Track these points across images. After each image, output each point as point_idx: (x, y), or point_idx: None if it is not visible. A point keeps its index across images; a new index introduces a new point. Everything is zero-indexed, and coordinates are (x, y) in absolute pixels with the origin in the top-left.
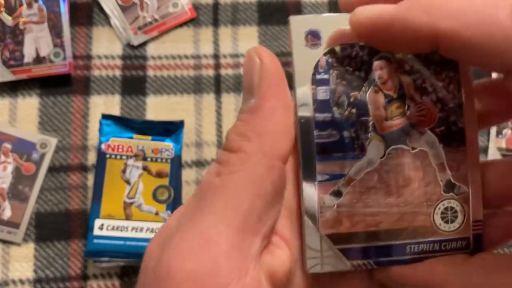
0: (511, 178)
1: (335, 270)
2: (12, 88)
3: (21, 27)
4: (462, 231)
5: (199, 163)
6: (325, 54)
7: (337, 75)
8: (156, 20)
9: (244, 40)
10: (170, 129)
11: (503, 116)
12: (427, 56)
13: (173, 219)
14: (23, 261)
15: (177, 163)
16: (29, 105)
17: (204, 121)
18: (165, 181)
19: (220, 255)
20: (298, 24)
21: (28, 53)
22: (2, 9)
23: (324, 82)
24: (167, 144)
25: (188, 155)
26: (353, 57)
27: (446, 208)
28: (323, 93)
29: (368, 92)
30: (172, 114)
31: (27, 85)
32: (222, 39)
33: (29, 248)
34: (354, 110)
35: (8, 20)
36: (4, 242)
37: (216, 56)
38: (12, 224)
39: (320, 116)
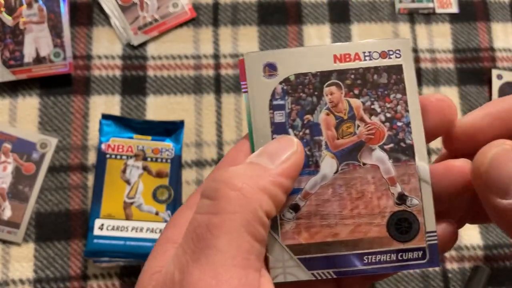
0: (448, 180)
1: (296, 279)
2: (12, 88)
3: (21, 27)
4: (417, 241)
5: (199, 163)
6: (280, 83)
7: (292, 101)
8: (156, 20)
9: (244, 40)
10: (170, 129)
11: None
12: (374, 80)
13: (168, 264)
14: (23, 261)
15: (177, 163)
16: (29, 105)
17: (204, 121)
18: (165, 181)
19: (239, 286)
20: (255, 59)
21: (28, 53)
22: (2, 9)
23: (281, 107)
24: (167, 144)
25: (188, 155)
26: (306, 84)
27: (399, 220)
28: (279, 116)
29: (320, 115)
30: (172, 114)
31: (27, 85)
32: (222, 39)
33: (29, 248)
34: (308, 131)
35: (8, 20)
36: (4, 242)
37: (216, 56)
38: (12, 224)
39: (278, 137)
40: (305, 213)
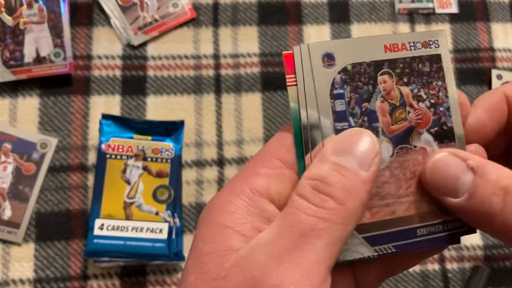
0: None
1: (361, 256)
2: (12, 88)
3: (22, 27)
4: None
5: (199, 163)
6: (339, 73)
7: (350, 90)
8: (156, 20)
9: (244, 40)
10: (170, 129)
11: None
12: (419, 69)
13: (249, 249)
14: (23, 261)
15: (177, 163)
16: (29, 105)
17: (204, 121)
18: (165, 181)
19: (319, 286)
20: (315, 49)
21: (28, 53)
22: (3, 9)
23: (341, 96)
24: (167, 144)
25: (188, 155)
26: (362, 73)
27: None
28: (340, 105)
29: (376, 102)
30: (172, 114)
31: (27, 85)
32: (222, 39)
33: (29, 248)
34: (366, 118)
35: (9, 20)
36: (4, 242)
37: (216, 56)
38: (12, 224)
39: (339, 125)
40: None
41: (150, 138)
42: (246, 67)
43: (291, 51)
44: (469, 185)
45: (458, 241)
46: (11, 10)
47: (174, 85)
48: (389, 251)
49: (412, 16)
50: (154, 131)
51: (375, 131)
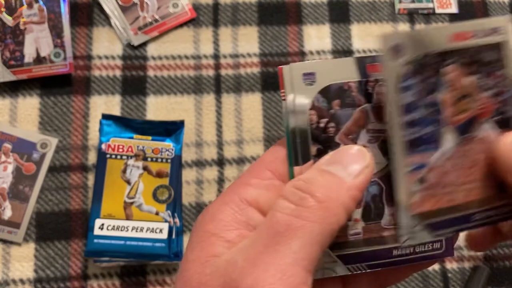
0: None
1: (421, 241)
2: (13, 88)
3: (22, 27)
4: None
5: (199, 163)
6: (407, 64)
7: (418, 82)
8: (156, 20)
9: (244, 40)
10: (170, 129)
11: None
12: (484, 58)
13: (229, 253)
14: (23, 261)
15: (177, 163)
16: (30, 105)
17: (204, 121)
18: (165, 181)
19: (296, 286)
20: (387, 40)
21: (29, 53)
22: (3, 9)
23: (408, 88)
24: (167, 144)
25: (188, 155)
26: (427, 65)
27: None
28: (409, 97)
29: (441, 94)
30: (172, 114)
31: (28, 85)
32: (222, 39)
33: (30, 248)
34: (431, 109)
35: (9, 20)
36: (5, 242)
37: (216, 56)
38: (13, 224)
39: (408, 117)
40: (429, 185)
41: (150, 138)
42: (246, 67)
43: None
44: None
45: (432, 261)
46: (11, 10)
47: (174, 85)
48: (449, 235)
49: (412, 16)
50: (154, 131)
51: (439, 122)
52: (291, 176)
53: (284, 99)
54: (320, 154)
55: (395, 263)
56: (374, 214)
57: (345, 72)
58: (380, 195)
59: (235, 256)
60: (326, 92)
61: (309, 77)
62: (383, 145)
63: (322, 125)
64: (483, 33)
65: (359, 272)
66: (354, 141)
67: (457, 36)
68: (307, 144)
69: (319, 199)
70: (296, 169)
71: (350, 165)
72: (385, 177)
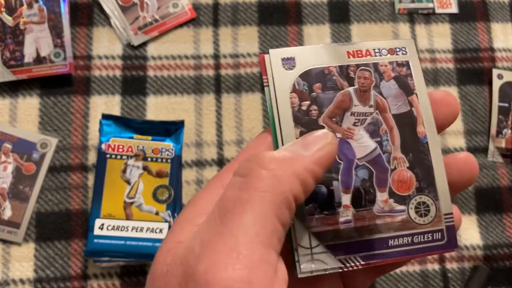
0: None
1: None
2: (13, 88)
3: (22, 27)
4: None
5: (199, 163)
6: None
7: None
8: (156, 20)
9: (244, 40)
10: (170, 129)
11: None
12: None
13: (189, 239)
14: (23, 261)
15: (177, 163)
16: (30, 105)
17: (204, 121)
18: (165, 181)
19: (253, 267)
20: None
21: (29, 53)
22: (3, 9)
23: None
24: (167, 144)
25: (188, 155)
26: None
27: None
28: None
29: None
30: (172, 114)
31: (28, 85)
32: (222, 39)
33: (30, 248)
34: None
35: (9, 20)
36: (5, 242)
37: (216, 56)
38: (13, 224)
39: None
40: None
41: (150, 138)
42: (246, 67)
43: (265, 53)
44: None
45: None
46: (11, 10)
47: (174, 85)
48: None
49: (412, 16)
50: (154, 131)
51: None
52: None
53: (266, 85)
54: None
55: (391, 255)
56: (365, 200)
57: (325, 58)
58: (370, 179)
59: (192, 241)
60: (307, 76)
61: (288, 61)
62: (369, 128)
63: (304, 107)
64: (385, 51)
65: (352, 266)
66: (339, 124)
67: (353, 54)
68: (290, 127)
69: (268, 167)
70: None
71: (310, 144)
72: (374, 161)
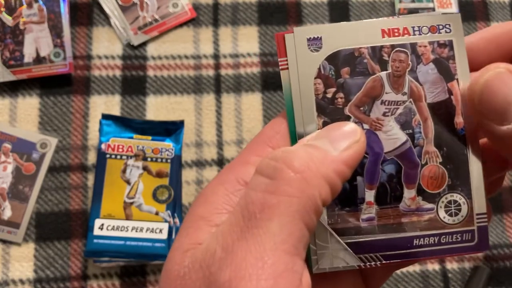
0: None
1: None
2: (12, 88)
3: (21, 27)
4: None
5: (199, 163)
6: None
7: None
8: (156, 20)
9: (244, 40)
10: (170, 129)
11: None
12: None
13: (208, 241)
14: (23, 261)
15: (177, 163)
16: (29, 105)
17: (204, 121)
18: (165, 181)
19: (278, 277)
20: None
21: (28, 53)
22: (2, 9)
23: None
24: (167, 144)
25: (188, 155)
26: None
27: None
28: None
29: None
30: (172, 114)
31: (27, 85)
32: (222, 39)
33: (29, 248)
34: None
35: (8, 20)
36: (4, 242)
37: (216, 56)
38: (12, 224)
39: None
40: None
41: (150, 138)
42: (246, 67)
43: (283, 33)
44: None
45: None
46: (11, 10)
47: (174, 85)
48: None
49: None
50: (154, 131)
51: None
52: None
53: (285, 68)
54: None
55: (415, 255)
56: (391, 197)
57: (356, 37)
58: (397, 175)
59: (212, 244)
60: (334, 59)
61: (314, 42)
62: (401, 118)
63: (329, 95)
64: (426, 29)
65: (372, 264)
66: (367, 114)
67: (389, 32)
68: (311, 117)
69: (296, 169)
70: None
71: (338, 140)
72: (404, 155)
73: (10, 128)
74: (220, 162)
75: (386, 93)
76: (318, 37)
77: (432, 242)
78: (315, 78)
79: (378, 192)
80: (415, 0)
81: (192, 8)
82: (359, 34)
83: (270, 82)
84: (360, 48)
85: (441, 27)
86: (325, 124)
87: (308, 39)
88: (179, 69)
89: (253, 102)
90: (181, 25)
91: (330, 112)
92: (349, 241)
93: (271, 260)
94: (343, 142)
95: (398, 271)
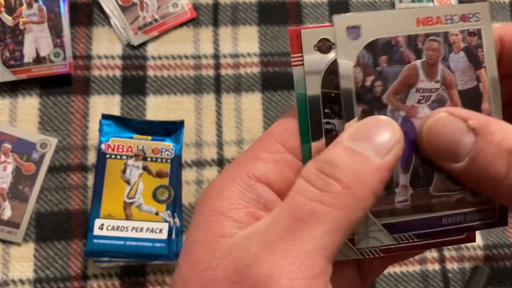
0: None
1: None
2: (12, 88)
3: (21, 27)
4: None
5: (199, 163)
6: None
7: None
8: (156, 20)
9: (244, 40)
10: (170, 129)
11: None
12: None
13: (242, 236)
14: (23, 261)
15: (177, 163)
16: (29, 105)
17: (204, 121)
18: (165, 181)
19: (313, 278)
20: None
21: (28, 53)
22: (2, 9)
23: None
24: (167, 144)
25: (188, 155)
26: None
27: None
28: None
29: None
30: (172, 114)
31: (27, 85)
32: (222, 39)
33: (29, 248)
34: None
35: (8, 20)
36: (4, 242)
37: (216, 56)
38: (12, 224)
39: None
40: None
41: (150, 138)
42: (246, 67)
43: (298, 28)
44: (471, 149)
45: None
46: (11, 10)
47: (174, 85)
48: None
49: None
50: (154, 131)
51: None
52: (306, 153)
53: (298, 65)
54: (365, 115)
55: (444, 233)
56: (423, 180)
57: (392, 26)
58: (430, 160)
59: (249, 239)
60: (372, 47)
61: (353, 31)
62: (434, 106)
63: (368, 83)
64: (457, 18)
65: (406, 243)
66: (403, 101)
67: (423, 21)
68: (350, 106)
69: (346, 184)
70: (314, 145)
71: (379, 141)
72: None
73: (10, 128)
74: (220, 162)
75: (421, 81)
76: (357, 25)
77: (459, 220)
78: (354, 66)
79: (412, 176)
80: (415, 0)
81: (192, 8)
82: (395, 22)
83: (270, 82)
84: (397, 37)
85: (470, 15)
86: (364, 112)
87: (348, 28)
88: (179, 69)
89: (253, 102)
90: (181, 25)
91: (369, 100)
92: (384, 222)
93: (309, 261)
94: (384, 145)
95: (398, 271)
